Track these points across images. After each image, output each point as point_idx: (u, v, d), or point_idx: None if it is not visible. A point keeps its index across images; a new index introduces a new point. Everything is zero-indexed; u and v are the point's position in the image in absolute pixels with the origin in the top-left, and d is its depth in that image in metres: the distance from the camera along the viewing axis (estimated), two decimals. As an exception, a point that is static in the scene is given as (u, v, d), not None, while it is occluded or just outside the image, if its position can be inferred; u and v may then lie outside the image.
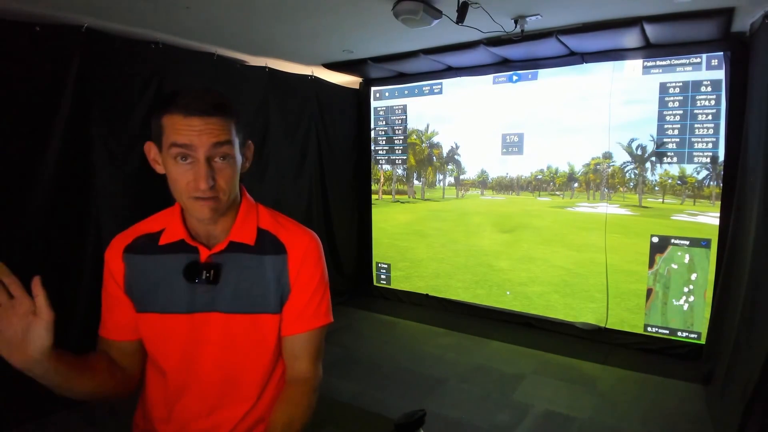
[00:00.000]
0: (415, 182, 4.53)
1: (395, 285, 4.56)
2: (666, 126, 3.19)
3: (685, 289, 3.20)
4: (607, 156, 3.48)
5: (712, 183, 3.12)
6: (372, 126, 4.61)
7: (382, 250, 4.65)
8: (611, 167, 3.49)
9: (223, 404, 0.97)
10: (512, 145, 3.86)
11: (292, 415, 0.92)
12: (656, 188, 3.34)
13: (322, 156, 4.26)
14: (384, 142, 4.58)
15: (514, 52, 3.45)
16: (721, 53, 2.96)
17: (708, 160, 3.10)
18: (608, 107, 3.39)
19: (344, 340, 3.53)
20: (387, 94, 4.48)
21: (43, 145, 2.43)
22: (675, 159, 3.20)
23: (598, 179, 3.56)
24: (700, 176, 3.16)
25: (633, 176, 3.42)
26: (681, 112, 3.13)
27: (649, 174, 3.35)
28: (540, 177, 3.85)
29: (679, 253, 3.20)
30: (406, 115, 4.41)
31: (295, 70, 3.93)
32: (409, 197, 4.56)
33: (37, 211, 2.43)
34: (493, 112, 3.91)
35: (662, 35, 2.93)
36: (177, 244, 0.96)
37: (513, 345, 3.47)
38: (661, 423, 2.47)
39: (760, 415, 2.02)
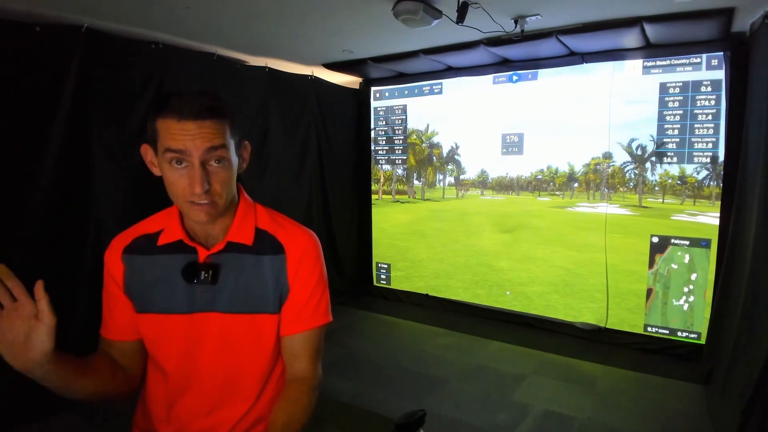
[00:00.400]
0: (415, 182, 4.53)
1: (395, 285, 4.56)
2: (666, 126, 3.19)
3: (685, 289, 3.20)
4: (607, 156, 3.48)
5: (712, 183, 3.12)
6: (372, 126, 4.61)
7: (382, 250, 4.65)
8: (611, 167, 3.49)
9: (223, 404, 0.97)
10: (512, 145, 3.86)
11: (291, 414, 0.92)
12: (656, 188, 3.34)
13: (322, 156, 4.26)
14: (384, 142, 4.58)
15: (514, 52, 3.45)
16: (721, 53, 2.95)
17: (708, 160, 3.10)
18: (608, 107, 3.39)
19: (344, 340, 3.53)
20: (387, 94, 4.48)
21: (43, 145, 2.43)
22: (675, 159, 3.20)
23: (598, 179, 3.56)
24: (700, 176, 3.16)
25: (633, 176, 3.42)
26: (681, 112, 3.13)
27: (649, 174, 3.35)
28: (540, 177, 3.85)
29: (679, 253, 3.20)
30: (406, 115, 4.41)
31: (295, 70, 3.93)
32: (409, 197, 4.56)
33: (37, 211, 2.43)
34: (493, 112, 3.91)
35: (662, 35, 2.93)
36: (175, 244, 0.96)
37: (513, 345, 3.47)
38: (660, 423, 2.47)
39: (760, 415, 2.02)
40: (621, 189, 3.49)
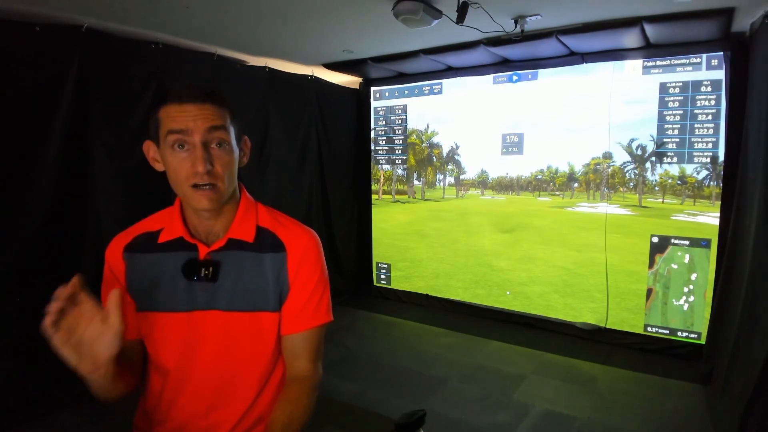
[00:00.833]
0: (415, 182, 4.53)
1: (395, 285, 4.56)
2: (666, 126, 3.19)
3: (685, 289, 3.20)
4: (607, 156, 3.48)
5: (712, 183, 3.12)
6: (372, 126, 4.61)
7: (382, 250, 4.65)
8: (611, 167, 3.49)
9: (222, 403, 0.97)
10: (512, 145, 3.86)
11: (291, 413, 0.92)
12: (656, 188, 3.34)
13: (322, 156, 4.26)
14: (384, 142, 4.59)
15: (514, 52, 3.45)
16: (721, 53, 2.95)
17: (708, 160, 3.10)
18: (608, 107, 3.39)
19: (344, 340, 3.53)
20: (387, 94, 4.48)
21: (43, 145, 2.43)
22: (675, 159, 3.20)
23: (598, 179, 3.56)
24: (700, 176, 3.16)
25: (633, 176, 3.42)
26: (681, 112, 3.13)
27: (649, 174, 3.35)
28: (540, 177, 3.85)
29: (679, 253, 3.20)
30: (406, 115, 4.41)
31: (295, 70, 3.93)
32: (409, 197, 4.56)
33: (38, 211, 2.43)
34: (493, 112, 3.91)
35: (662, 35, 2.93)
36: (176, 241, 0.96)
37: (513, 345, 3.47)
38: (660, 423, 2.47)
39: (760, 415, 2.02)
40: (621, 189, 3.49)
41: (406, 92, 4.37)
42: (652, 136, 3.24)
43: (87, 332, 0.77)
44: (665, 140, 3.21)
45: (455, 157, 4.27)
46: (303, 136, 4.06)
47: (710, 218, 3.11)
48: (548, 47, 3.21)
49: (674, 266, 3.22)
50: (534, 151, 3.79)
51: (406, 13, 2.40)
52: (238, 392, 0.98)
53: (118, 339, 0.78)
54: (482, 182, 4.14)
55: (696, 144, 3.11)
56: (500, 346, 3.46)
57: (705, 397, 2.67)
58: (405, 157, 4.48)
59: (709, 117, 3.05)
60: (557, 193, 3.78)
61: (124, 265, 0.96)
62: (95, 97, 2.63)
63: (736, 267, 2.61)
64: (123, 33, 2.79)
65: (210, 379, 0.96)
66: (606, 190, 3.53)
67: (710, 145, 3.07)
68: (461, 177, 4.26)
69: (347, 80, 4.44)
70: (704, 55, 3.03)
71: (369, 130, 4.63)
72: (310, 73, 4.05)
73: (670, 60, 3.13)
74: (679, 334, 3.23)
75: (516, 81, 3.76)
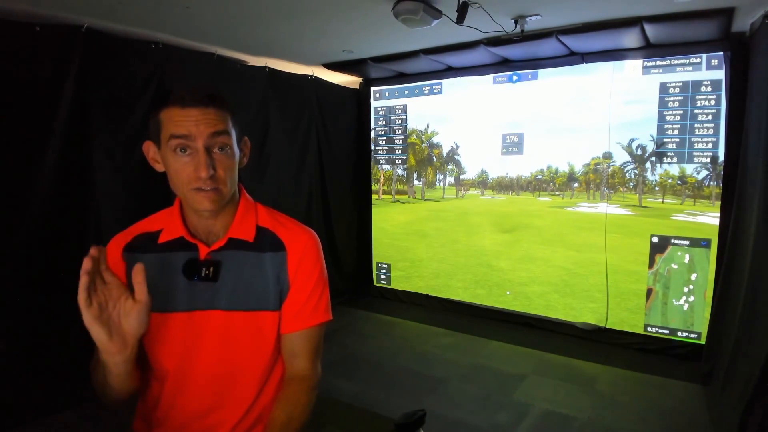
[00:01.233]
0: (415, 182, 4.53)
1: (395, 285, 4.56)
2: (666, 126, 3.19)
3: (685, 289, 3.20)
4: (607, 156, 3.48)
5: (712, 183, 3.12)
6: (372, 126, 4.61)
7: (382, 250, 4.65)
8: (611, 167, 3.49)
9: (222, 403, 0.97)
10: (512, 145, 3.86)
11: (290, 413, 0.92)
12: (656, 188, 3.34)
13: (322, 156, 4.26)
14: (384, 142, 4.59)
15: (514, 52, 3.45)
16: (721, 53, 2.95)
17: (708, 160, 3.10)
18: (608, 107, 3.39)
19: (344, 340, 3.53)
20: (387, 94, 4.48)
21: (43, 145, 2.43)
22: (675, 159, 3.20)
23: (598, 179, 3.56)
24: (700, 176, 3.16)
25: (633, 176, 3.42)
26: (681, 112, 3.13)
27: (649, 174, 3.35)
28: (540, 177, 3.85)
29: (679, 253, 3.20)
30: (406, 115, 4.41)
31: (295, 70, 3.93)
32: (409, 197, 4.56)
33: (37, 211, 2.43)
34: (493, 112, 3.91)
35: (662, 35, 2.93)
36: (176, 241, 0.96)
37: (513, 345, 3.47)
38: (660, 423, 2.46)
39: (760, 415, 2.02)
40: (621, 189, 3.49)
41: (406, 92, 4.37)
42: (652, 136, 3.24)
43: (116, 309, 0.82)
44: (665, 140, 3.21)
45: (455, 157, 4.27)
46: (303, 136, 4.07)
47: (710, 218, 3.11)
48: (548, 47, 3.21)
49: (674, 266, 3.22)
50: (534, 151, 3.79)
51: (406, 13, 2.40)
52: (237, 392, 0.98)
53: (147, 313, 0.83)
54: (482, 182, 4.13)
55: (696, 144, 3.11)
56: (500, 346, 3.46)
57: (705, 397, 2.67)
58: (405, 157, 4.48)
59: (709, 117, 3.05)
60: (557, 193, 3.78)
61: (124, 264, 0.96)
62: (95, 97, 2.63)
63: (736, 267, 2.61)
64: (123, 33, 2.79)
65: (210, 379, 0.96)
66: (606, 190, 3.53)
67: (710, 145, 3.07)
68: (461, 177, 4.26)
69: (347, 80, 4.44)
70: (704, 55, 3.03)
71: (369, 130, 4.63)
72: (310, 73, 4.05)
73: (670, 60, 3.13)
74: (679, 334, 3.23)
75: (516, 81, 3.76)
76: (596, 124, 3.46)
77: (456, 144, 4.24)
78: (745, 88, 2.75)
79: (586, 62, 3.39)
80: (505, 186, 4.03)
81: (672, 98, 3.15)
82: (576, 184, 3.69)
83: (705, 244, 3.11)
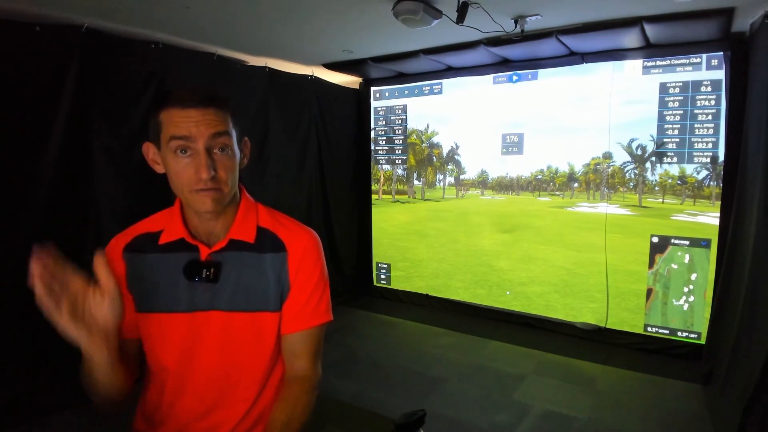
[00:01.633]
0: (415, 182, 4.53)
1: (395, 285, 4.56)
2: (666, 126, 3.19)
3: (685, 289, 3.20)
4: (607, 156, 3.48)
5: (712, 183, 3.12)
6: (372, 126, 4.61)
7: (382, 250, 4.65)
8: (611, 167, 3.49)
9: (222, 404, 0.97)
10: (512, 145, 3.86)
11: (290, 413, 0.92)
12: (656, 188, 3.34)
13: (322, 156, 4.26)
14: (384, 142, 4.59)
15: (514, 52, 3.45)
16: (721, 53, 2.95)
17: (708, 160, 3.10)
18: (608, 107, 3.39)
19: (344, 340, 3.53)
20: (387, 94, 4.48)
21: (43, 145, 2.43)
22: (675, 159, 3.20)
23: (598, 179, 3.56)
24: (700, 176, 3.16)
25: (633, 176, 3.42)
26: (681, 112, 3.13)
27: (649, 174, 3.35)
28: (540, 177, 3.85)
29: (679, 253, 3.20)
30: (406, 115, 4.41)
31: (295, 70, 3.93)
32: (409, 197, 4.56)
33: (37, 211, 2.43)
34: (493, 112, 3.91)
35: (662, 35, 2.93)
36: (177, 242, 0.96)
37: (513, 345, 3.47)
38: (660, 423, 2.47)
39: (760, 414, 2.02)
40: (621, 189, 3.49)
41: (406, 92, 4.37)
42: (652, 136, 3.24)
43: (88, 303, 0.78)
44: (665, 140, 3.21)
45: (455, 157, 4.27)
46: (303, 136, 4.06)
47: (710, 218, 3.11)
48: (548, 47, 3.21)
49: (674, 266, 3.22)
50: (534, 151, 3.79)
51: (406, 13, 2.40)
52: (238, 392, 0.98)
53: (118, 300, 0.79)
54: (482, 182, 4.13)
55: (696, 144, 3.11)
56: (500, 346, 3.46)
57: (705, 397, 2.67)
58: (405, 157, 4.48)
59: (709, 117, 3.05)
60: (557, 193, 3.78)
61: (124, 264, 0.96)
62: (95, 97, 2.63)
63: (736, 267, 2.61)
64: (123, 33, 2.79)
65: (210, 379, 0.96)
66: (606, 190, 3.53)
67: (710, 145, 3.07)
68: (461, 177, 4.25)
69: (347, 80, 4.44)
70: (704, 55, 3.03)
71: (369, 130, 4.63)
72: (310, 73, 4.05)
73: (670, 60, 3.13)
74: (679, 334, 3.23)
75: (516, 81, 3.76)
76: (596, 124, 3.46)
77: (456, 144, 4.24)
78: (745, 89, 2.75)
79: (586, 62, 3.39)
80: (505, 186, 4.03)
81: (672, 98, 3.15)
82: (576, 184, 3.69)
83: (705, 244, 3.11)
